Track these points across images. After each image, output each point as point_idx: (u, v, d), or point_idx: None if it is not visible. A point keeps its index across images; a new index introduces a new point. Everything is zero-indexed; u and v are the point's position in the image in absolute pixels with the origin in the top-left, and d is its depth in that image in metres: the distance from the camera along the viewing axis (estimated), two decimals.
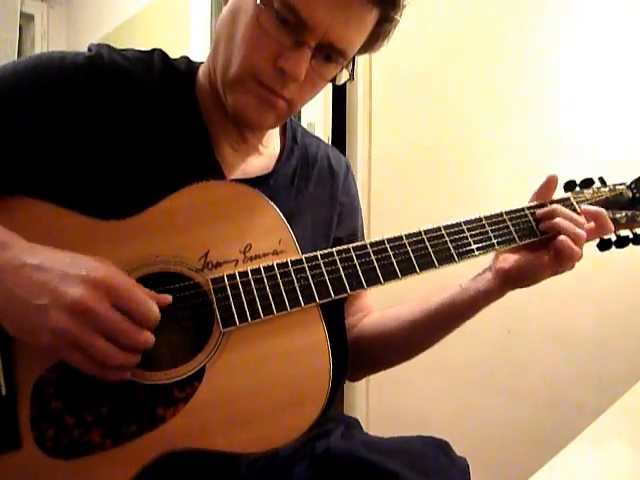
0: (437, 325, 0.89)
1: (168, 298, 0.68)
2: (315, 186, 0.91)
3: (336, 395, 0.72)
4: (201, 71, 0.83)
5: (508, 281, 0.84)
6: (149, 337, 0.64)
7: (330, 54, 0.73)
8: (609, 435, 0.97)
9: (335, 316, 0.74)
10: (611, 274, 1.43)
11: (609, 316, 1.45)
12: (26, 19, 3.21)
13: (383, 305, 0.98)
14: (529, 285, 0.84)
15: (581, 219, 0.82)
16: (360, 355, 0.91)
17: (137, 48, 0.83)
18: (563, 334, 1.52)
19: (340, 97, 1.93)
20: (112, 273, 0.64)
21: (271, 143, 0.90)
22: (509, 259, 0.84)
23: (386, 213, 1.80)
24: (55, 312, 0.60)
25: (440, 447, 0.78)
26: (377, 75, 1.86)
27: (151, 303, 0.65)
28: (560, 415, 1.49)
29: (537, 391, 1.57)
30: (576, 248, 0.80)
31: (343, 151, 1.89)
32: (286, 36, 0.70)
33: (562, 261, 0.81)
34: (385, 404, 1.86)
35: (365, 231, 1.03)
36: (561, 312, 1.49)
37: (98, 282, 0.62)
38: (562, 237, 0.80)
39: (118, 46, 0.81)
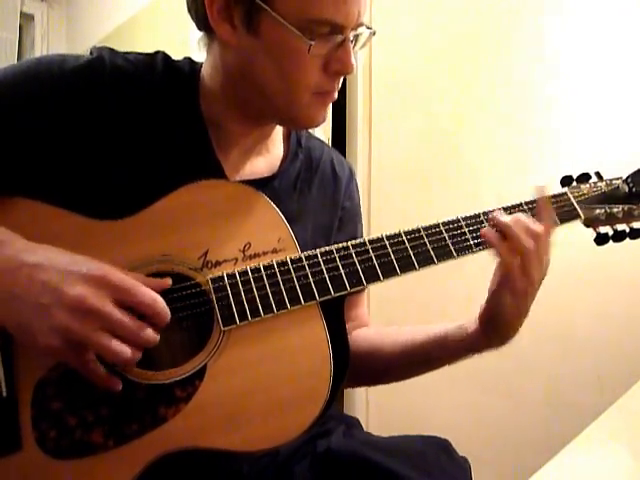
0: (434, 357, 0.87)
1: (167, 281, 0.69)
2: (317, 190, 0.91)
3: (337, 393, 0.72)
4: (205, 73, 0.81)
5: (485, 323, 0.81)
6: (152, 332, 0.63)
7: (360, 32, 0.76)
8: (608, 435, 0.97)
9: (335, 314, 0.74)
10: (611, 274, 1.43)
11: (609, 316, 1.45)
12: (26, 19, 3.20)
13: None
14: (509, 325, 0.81)
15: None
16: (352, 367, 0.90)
17: (137, 48, 0.82)
18: (563, 334, 1.52)
19: (340, 97, 1.93)
20: (112, 270, 0.64)
21: (276, 145, 0.89)
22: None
23: (386, 213, 1.80)
24: (57, 311, 0.60)
25: (441, 446, 0.78)
26: (377, 75, 1.86)
27: (155, 294, 0.64)
28: (560, 415, 1.49)
29: (537, 391, 1.57)
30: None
31: (343, 151, 1.89)
32: (328, 44, 0.72)
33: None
34: (385, 404, 1.85)
35: (365, 231, 1.03)
36: (561, 312, 1.49)
37: (100, 279, 0.62)
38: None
39: (118, 46, 0.80)
